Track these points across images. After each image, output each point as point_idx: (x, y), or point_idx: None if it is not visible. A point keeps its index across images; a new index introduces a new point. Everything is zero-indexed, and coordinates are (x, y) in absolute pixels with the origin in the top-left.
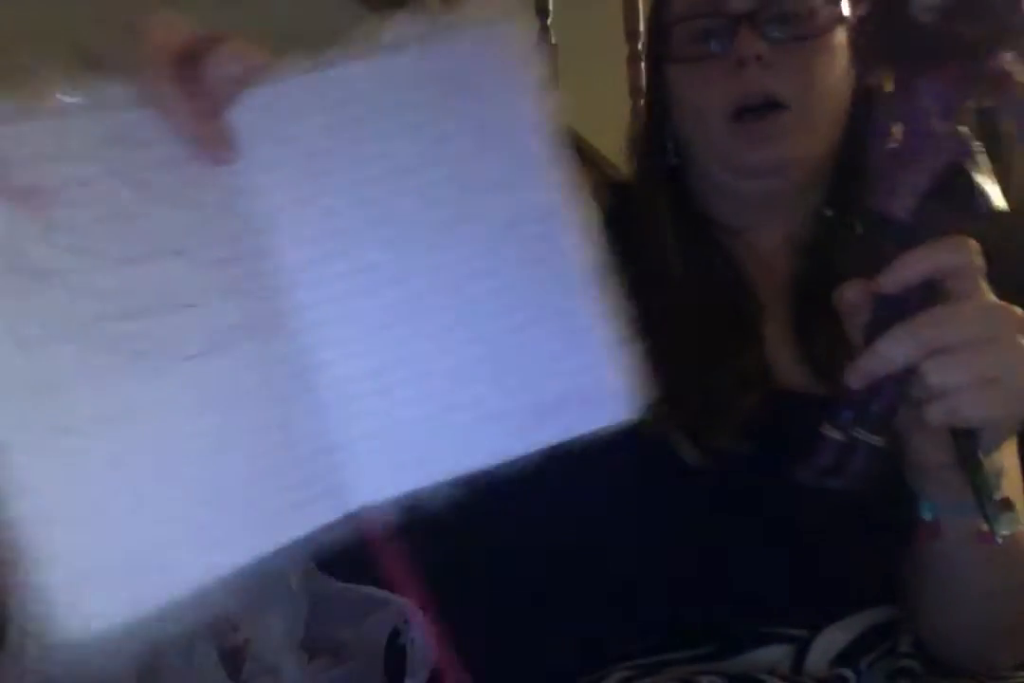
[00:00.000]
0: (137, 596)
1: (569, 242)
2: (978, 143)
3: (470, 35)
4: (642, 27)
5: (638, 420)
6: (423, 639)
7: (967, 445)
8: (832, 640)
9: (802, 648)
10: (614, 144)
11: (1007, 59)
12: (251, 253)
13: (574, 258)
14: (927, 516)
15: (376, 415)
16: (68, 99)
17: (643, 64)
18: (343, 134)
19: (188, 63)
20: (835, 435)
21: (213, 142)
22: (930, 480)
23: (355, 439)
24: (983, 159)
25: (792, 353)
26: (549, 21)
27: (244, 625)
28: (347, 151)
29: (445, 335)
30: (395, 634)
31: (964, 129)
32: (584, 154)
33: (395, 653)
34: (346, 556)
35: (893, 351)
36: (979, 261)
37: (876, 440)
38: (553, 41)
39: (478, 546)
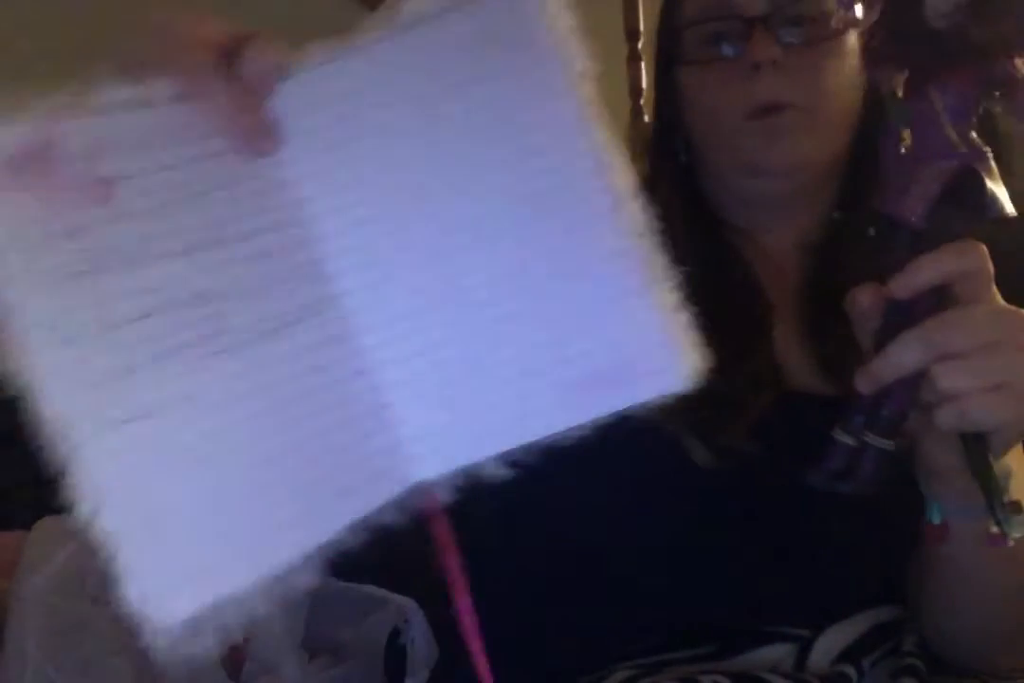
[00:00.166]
0: (212, 581)
1: (614, 205)
2: (988, 148)
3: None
4: (642, 27)
5: (681, 395)
6: (423, 639)
7: (977, 448)
8: (834, 639)
9: (804, 647)
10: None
11: (1019, 63)
12: (293, 243)
13: (621, 222)
14: (935, 519)
15: (427, 392)
16: (116, 94)
17: (643, 64)
18: (369, 120)
19: (226, 59)
20: (846, 439)
21: (255, 134)
22: (939, 483)
23: (409, 417)
24: (993, 165)
25: (802, 354)
26: None
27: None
28: (376, 136)
29: (491, 308)
30: (395, 634)
31: (975, 134)
32: None
33: (395, 653)
34: (347, 555)
35: (903, 356)
36: (989, 265)
37: (887, 444)
38: None
39: (479, 543)
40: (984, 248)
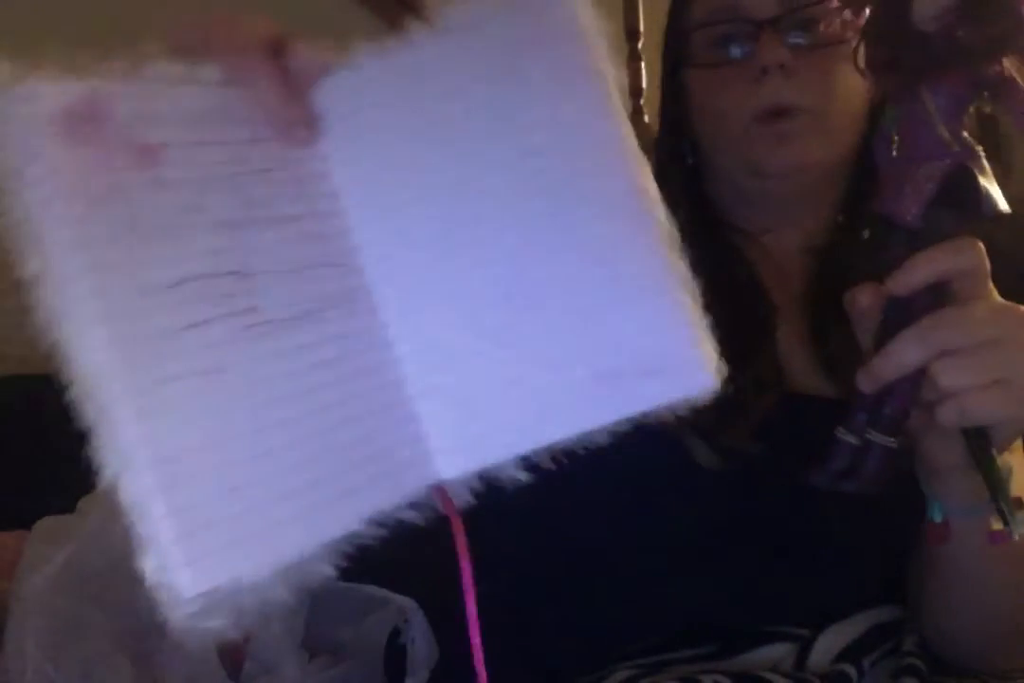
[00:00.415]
0: (231, 557)
1: (642, 205)
2: (980, 147)
3: (522, 7)
4: (642, 27)
5: (710, 395)
6: (423, 639)
7: (980, 445)
8: (834, 639)
9: (804, 647)
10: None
11: (1008, 64)
12: (328, 232)
13: (648, 222)
14: (937, 518)
15: (452, 387)
16: (167, 69)
17: (643, 64)
18: (408, 120)
19: (273, 52)
20: (849, 438)
21: (294, 124)
22: (941, 482)
23: (433, 412)
24: (986, 163)
25: (806, 356)
26: None
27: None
28: (413, 136)
29: (519, 305)
30: (395, 634)
31: (967, 134)
32: None
33: (395, 653)
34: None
35: (904, 354)
36: (986, 262)
37: (890, 442)
38: None
39: (479, 544)
40: (981, 245)
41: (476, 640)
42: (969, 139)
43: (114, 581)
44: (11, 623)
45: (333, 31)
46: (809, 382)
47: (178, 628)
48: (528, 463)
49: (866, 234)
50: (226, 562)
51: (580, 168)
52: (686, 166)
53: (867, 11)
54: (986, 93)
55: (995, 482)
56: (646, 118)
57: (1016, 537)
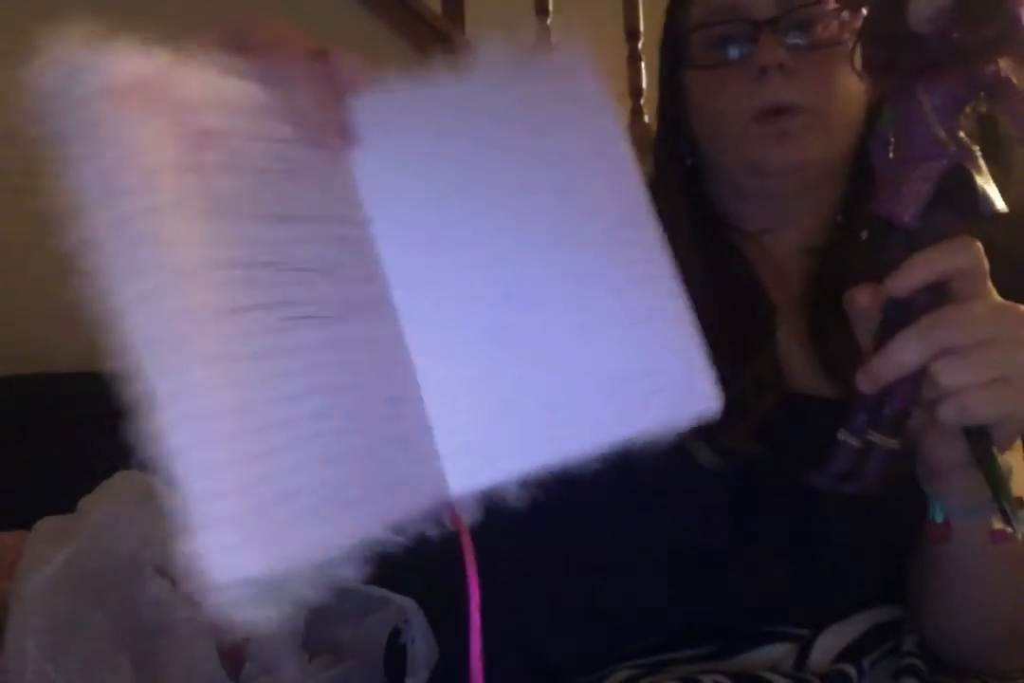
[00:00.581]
0: (271, 546)
1: (654, 244)
2: (976, 147)
3: (548, 63)
4: (642, 27)
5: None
6: (423, 639)
7: (981, 444)
8: (834, 639)
9: (804, 647)
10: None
11: (1005, 64)
12: (361, 238)
13: (660, 259)
14: (938, 518)
15: (466, 407)
16: (221, 61)
17: (643, 64)
18: (434, 146)
19: (314, 57)
20: (850, 440)
21: (329, 129)
22: (942, 482)
23: (449, 428)
24: (982, 163)
25: (806, 356)
26: (549, 21)
27: None
28: (440, 162)
29: (532, 319)
30: (395, 634)
31: (963, 134)
32: None
33: (395, 653)
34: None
35: (903, 354)
36: (984, 261)
37: (891, 443)
38: (553, 41)
39: (479, 544)
40: (978, 244)
41: (477, 653)
42: (966, 139)
43: (114, 581)
44: (11, 623)
45: (334, 31)
46: (809, 382)
47: (209, 611)
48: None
49: (864, 235)
50: (269, 550)
51: (594, 209)
52: (685, 166)
53: (863, 12)
54: (983, 94)
55: (997, 481)
56: (646, 118)
57: (1019, 536)
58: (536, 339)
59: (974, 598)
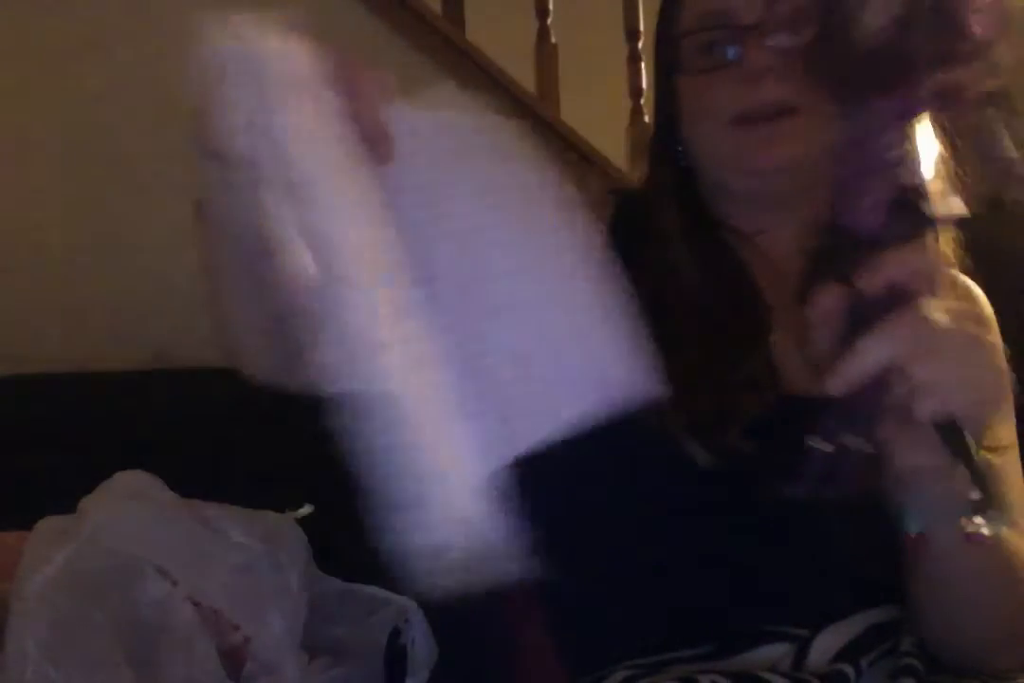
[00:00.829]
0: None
1: (582, 259)
2: (937, 152)
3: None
4: (642, 27)
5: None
6: (423, 639)
7: (956, 437)
8: (832, 639)
9: (802, 647)
10: (614, 144)
11: (956, 75)
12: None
13: (587, 271)
14: (912, 530)
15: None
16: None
17: (643, 64)
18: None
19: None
20: (822, 445)
21: (376, 134)
22: (915, 488)
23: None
24: (942, 167)
25: (800, 357)
26: (549, 21)
27: (244, 625)
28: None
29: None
30: (395, 634)
31: (915, 145)
32: (585, 154)
33: (395, 653)
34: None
35: (871, 353)
36: (940, 264)
37: (864, 445)
38: (553, 41)
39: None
40: (934, 248)
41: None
42: (920, 148)
43: (114, 581)
44: (11, 623)
45: (334, 31)
46: (803, 382)
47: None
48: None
49: (829, 244)
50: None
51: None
52: (679, 168)
53: (807, 28)
54: (933, 105)
55: (975, 469)
56: (646, 118)
57: (996, 532)
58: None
59: (960, 599)
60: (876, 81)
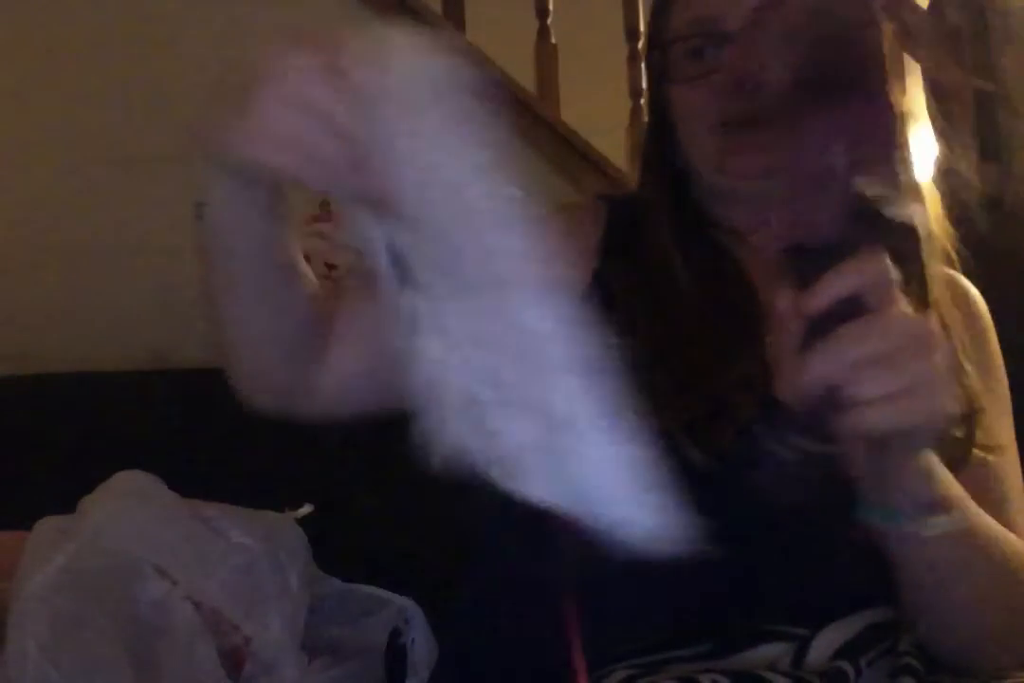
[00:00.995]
0: None
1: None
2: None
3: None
4: (642, 27)
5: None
6: (423, 639)
7: (903, 449)
8: (832, 637)
9: (802, 646)
10: (614, 144)
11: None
12: None
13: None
14: (871, 526)
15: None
16: None
17: (643, 65)
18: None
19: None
20: (779, 449)
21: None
22: (870, 490)
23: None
24: (899, 177)
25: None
26: (549, 21)
27: (244, 625)
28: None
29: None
30: (395, 634)
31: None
32: (585, 154)
33: (395, 653)
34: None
35: (818, 367)
36: (891, 274)
37: (820, 448)
38: (553, 41)
39: (478, 545)
40: (885, 258)
41: None
42: (878, 156)
43: (114, 581)
44: (11, 623)
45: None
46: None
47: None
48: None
49: (784, 255)
50: None
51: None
52: (671, 170)
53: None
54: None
55: (919, 477)
56: (646, 118)
57: (940, 532)
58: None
59: (937, 600)
60: (824, 101)
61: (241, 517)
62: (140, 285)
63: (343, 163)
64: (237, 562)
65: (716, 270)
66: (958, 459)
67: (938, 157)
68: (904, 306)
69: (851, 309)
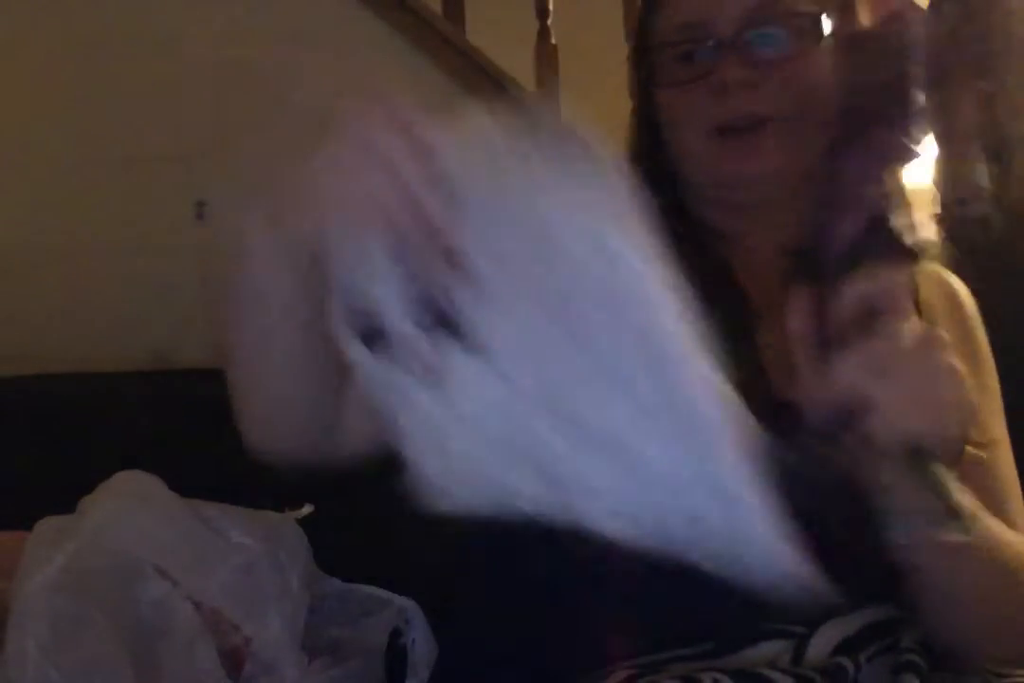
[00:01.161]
0: None
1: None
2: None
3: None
4: None
5: None
6: (424, 639)
7: (916, 457)
8: (830, 635)
9: (801, 643)
10: (614, 144)
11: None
12: None
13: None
14: (889, 534)
15: None
16: None
17: (631, 69)
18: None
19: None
20: (798, 453)
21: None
22: (885, 498)
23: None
24: (905, 204)
25: (790, 359)
26: (549, 21)
27: (244, 625)
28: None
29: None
30: (396, 634)
31: (883, 187)
32: None
33: (396, 653)
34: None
35: (835, 377)
36: (904, 290)
37: (827, 452)
38: (553, 41)
39: (479, 544)
40: (899, 275)
41: None
42: (887, 190)
43: (114, 581)
44: (11, 623)
45: (334, 31)
46: (789, 384)
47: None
48: None
49: (801, 268)
50: None
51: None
52: (658, 170)
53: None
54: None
55: (935, 486)
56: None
57: (960, 539)
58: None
59: (948, 601)
60: (849, 131)
61: (241, 517)
62: (140, 285)
63: (424, 226)
64: (237, 562)
65: (706, 274)
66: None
67: (938, 157)
68: (916, 320)
69: (864, 320)
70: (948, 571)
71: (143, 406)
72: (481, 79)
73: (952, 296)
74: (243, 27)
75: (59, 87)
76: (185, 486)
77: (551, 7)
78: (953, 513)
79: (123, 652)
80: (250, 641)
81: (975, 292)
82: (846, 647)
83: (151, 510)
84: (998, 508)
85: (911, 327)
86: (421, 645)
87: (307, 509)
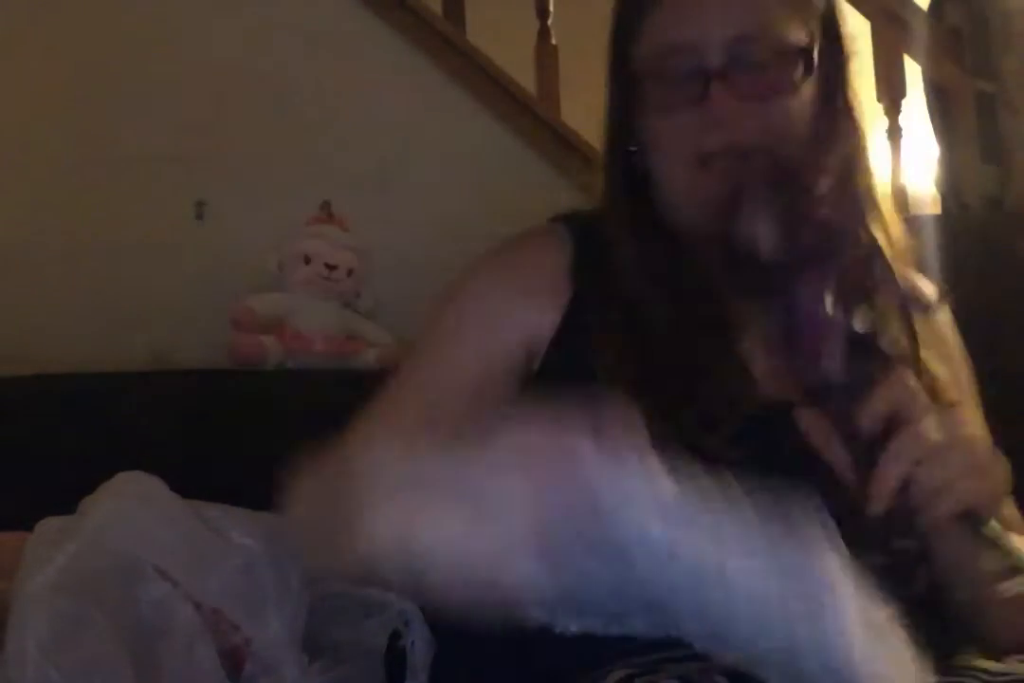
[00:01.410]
0: None
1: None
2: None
3: None
4: None
5: None
6: (423, 641)
7: (975, 523)
8: None
9: None
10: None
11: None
12: None
13: None
14: (960, 596)
15: None
16: None
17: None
18: None
19: None
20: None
21: None
22: (955, 565)
23: None
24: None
25: (771, 361)
26: (549, 21)
27: (244, 625)
28: None
29: None
30: (395, 636)
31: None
32: (586, 155)
33: (395, 655)
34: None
35: (891, 475)
36: (917, 386)
37: (913, 545)
38: (553, 41)
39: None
40: (910, 379)
41: None
42: (867, 311)
43: (114, 581)
44: (11, 623)
45: (334, 31)
46: (776, 387)
47: None
48: None
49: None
50: None
51: None
52: (633, 178)
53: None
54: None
55: (997, 546)
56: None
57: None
58: None
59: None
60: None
61: (242, 518)
62: (140, 285)
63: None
64: (237, 562)
65: (686, 280)
66: None
67: (938, 157)
68: (932, 409)
69: (893, 424)
70: (1006, 618)
71: (143, 406)
72: (481, 79)
73: (924, 299)
74: (243, 27)
75: (59, 87)
76: (185, 486)
77: (551, 7)
78: (1017, 568)
79: (123, 652)
80: (250, 641)
81: (975, 292)
82: None
83: (152, 510)
84: None
85: (934, 416)
86: (420, 647)
87: None
